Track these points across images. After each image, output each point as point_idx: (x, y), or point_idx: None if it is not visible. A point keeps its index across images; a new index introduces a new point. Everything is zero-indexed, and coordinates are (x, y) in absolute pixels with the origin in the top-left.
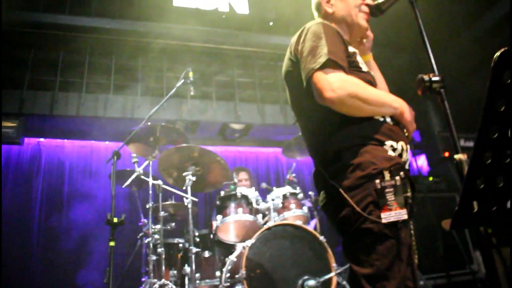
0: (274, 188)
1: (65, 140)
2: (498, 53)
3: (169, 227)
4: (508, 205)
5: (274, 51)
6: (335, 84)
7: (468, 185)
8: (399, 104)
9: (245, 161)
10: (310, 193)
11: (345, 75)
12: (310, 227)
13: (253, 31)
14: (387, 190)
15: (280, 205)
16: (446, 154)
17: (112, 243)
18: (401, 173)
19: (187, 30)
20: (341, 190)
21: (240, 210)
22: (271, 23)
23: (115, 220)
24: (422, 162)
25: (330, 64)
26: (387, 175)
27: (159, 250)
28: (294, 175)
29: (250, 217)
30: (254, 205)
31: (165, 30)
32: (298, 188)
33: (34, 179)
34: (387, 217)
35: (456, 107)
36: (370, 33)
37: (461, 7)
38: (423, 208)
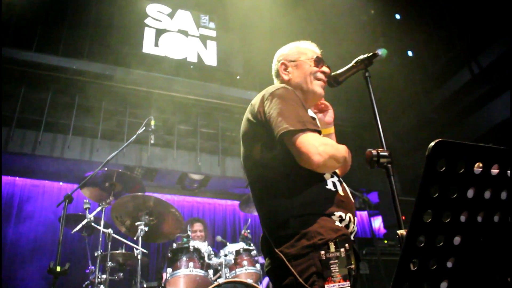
0: (228, 243)
1: (17, 177)
2: (432, 144)
3: (116, 277)
4: (442, 286)
5: (240, 104)
6: (320, 148)
7: (401, 267)
8: (347, 153)
9: (202, 211)
10: None
11: (322, 137)
12: (262, 286)
13: (220, 83)
14: (331, 261)
15: (233, 261)
16: (403, 217)
17: None
18: (346, 244)
19: (153, 77)
20: (284, 258)
21: (191, 264)
22: (238, 77)
23: (58, 269)
24: (378, 224)
25: (308, 128)
26: (332, 247)
27: None
28: (249, 231)
29: (201, 272)
30: (206, 259)
31: (131, 76)
32: (252, 244)
33: None
34: None
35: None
36: (330, 108)
37: (424, 75)
38: (377, 271)
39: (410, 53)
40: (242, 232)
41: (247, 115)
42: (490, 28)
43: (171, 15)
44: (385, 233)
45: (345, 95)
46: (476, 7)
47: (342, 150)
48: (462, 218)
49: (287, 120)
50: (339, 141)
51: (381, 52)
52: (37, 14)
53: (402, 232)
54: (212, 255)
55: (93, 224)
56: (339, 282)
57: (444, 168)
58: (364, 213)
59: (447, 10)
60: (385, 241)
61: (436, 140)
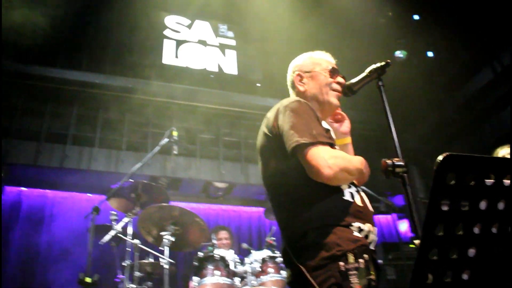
0: (253, 251)
1: (47, 190)
2: (440, 157)
3: (145, 287)
4: None
5: (260, 112)
6: (330, 161)
7: (415, 281)
8: (363, 165)
9: (227, 219)
10: None
11: (333, 150)
12: None
13: (240, 92)
14: (350, 272)
15: (258, 269)
16: None
17: None
18: (365, 255)
19: (175, 88)
20: (304, 270)
21: (217, 272)
22: (258, 85)
23: (88, 280)
24: (405, 227)
25: (319, 141)
26: (351, 258)
27: None
28: (274, 238)
29: (227, 280)
30: (232, 267)
31: (153, 87)
32: (277, 251)
33: (11, 229)
34: None
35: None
36: (346, 118)
37: (445, 76)
38: (403, 276)
39: (430, 54)
40: (267, 239)
41: (263, 128)
42: (511, 26)
43: (189, 26)
44: (412, 237)
45: (365, 98)
46: (496, 4)
47: (355, 162)
48: (476, 230)
49: (299, 134)
50: (362, 144)
51: (401, 54)
52: (61, 31)
53: (418, 242)
54: (238, 263)
55: (120, 234)
56: None
57: (453, 182)
58: (390, 217)
59: (467, 8)
60: (411, 245)
61: (444, 154)
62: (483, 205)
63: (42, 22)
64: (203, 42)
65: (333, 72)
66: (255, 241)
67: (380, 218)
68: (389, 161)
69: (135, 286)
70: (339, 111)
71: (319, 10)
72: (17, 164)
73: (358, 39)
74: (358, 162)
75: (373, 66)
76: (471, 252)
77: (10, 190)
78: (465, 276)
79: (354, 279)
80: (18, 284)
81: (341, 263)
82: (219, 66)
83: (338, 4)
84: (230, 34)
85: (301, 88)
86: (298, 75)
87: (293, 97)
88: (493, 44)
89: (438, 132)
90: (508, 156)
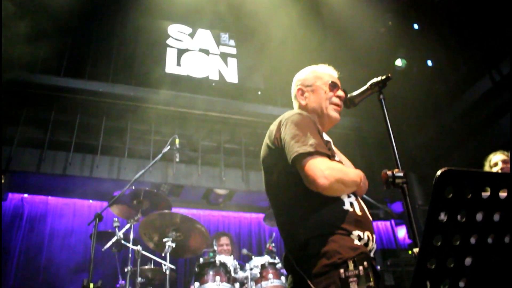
0: (253, 256)
1: (49, 197)
2: (439, 172)
3: None
4: None
5: (261, 119)
6: (326, 172)
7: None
8: (360, 178)
9: (228, 225)
10: None
11: (331, 161)
12: None
13: (242, 100)
14: (350, 279)
15: (258, 275)
16: None
17: None
18: (365, 262)
19: (176, 96)
20: (305, 277)
21: (218, 278)
22: (259, 93)
23: (91, 286)
24: (403, 233)
25: (317, 152)
26: (351, 265)
27: None
28: (273, 244)
29: (227, 286)
30: (233, 273)
31: (155, 95)
32: (277, 257)
33: (14, 236)
34: None
35: None
36: None
37: (444, 85)
38: (401, 281)
39: (429, 63)
40: (267, 245)
41: (266, 140)
42: (510, 35)
43: (191, 35)
44: (410, 244)
45: (367, 107)
46: (495, 14)
47: (352, 175)
48: (472, 241)
49: (298, 144)
50: (362, 152)
51: (401, 63)
52: (64, 41)
53: (417, 250)
54: (238, 269)
55: (122, 241)
56: None
57: (451, 195)
58: (389, 223)
59: (466, 18)
60: (410, 252)
61: (443, 169)
62: (479, 216)
63: (46, 31)
64: (205, 51)
65: (333, 86)
66: (255, 247)
67: (379, 224)
68: (389, 172)
69: None
70: None
71: (320, 19)
72: (20, 171)
73: (359, 48)
74: (354, 175)
75: (374, 80)
76: (468, 261)
77: (13, 197)
78: (461, 284)
79: (354, 286)
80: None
81: (342, 271)
82: (220, 74)
83: (338, 14)
84: (232, 43)
85: (303, 102)
86: (300, 89)
87: (295, 110)
88: (492, 54)
89: (437, 140)
90: (500, 161)
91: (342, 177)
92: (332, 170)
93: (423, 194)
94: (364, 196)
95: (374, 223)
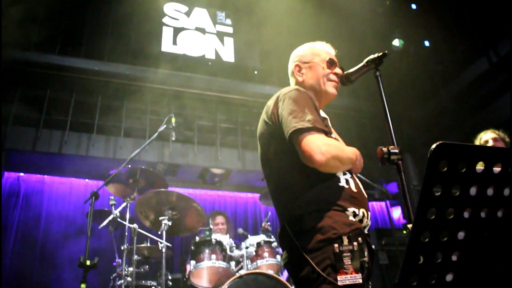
0: (249, 235)
1: (45, 176)
2: (434, 146)
3: (142, 270)
4: (448, 278)
5: (257, 99)
6: (323, 148)
7: (407, 261)
8: (355, 156)
9: (223, 204)
10: None
11: (328, 138)
12: (282, 277)
13: (238, 79)
14: (344, 254)
15: (254, 253)
16: None
17: (83, 286)
18: (359, 238)
19: (172, 75)
20: (302, 251)
21: (213, 256)
22: (255, 72)
23: (88, 263)
24: (398, 214)
25: (314, 128)
26: (345, 240)
27: None
28: (269, 223)
29: (223, 264)
30: (228, 252)
31: (151, 74)
32: (272, 236)
33: (10, 215)
34: (342, 280)
35: None
36: None
37: (441, 65)
38: (396, 261)
39: (427, 43)
40: (263, 224)
41: (263, 116)
42: (508, 16)
43: (188, 13)
44: (404, 224)
45: (362, 87)
46: None
47: (348, 152)
48: (466, 215)
49: (296, 120)
50: (358, 132)
51: (398, 43)
52: (59, 19)
53: (411, 226)
54: (234, 247)
55: (118, 219)
56: (351, 274)
57: (446, 169)
58: (384, 203)
59: None
60: (404, 232)
61: (438, 143)
62: (473, 191)
63: (40, 9)
64: (201, 30)
65: (330, 63)
66: (251, 226)
67: (374, 204)
68: (384, 149)
69: (132, 269)
70: None
71: None
72: (16, 150)
73: (356, 28)
74: (350, 152)
75: (371, 57)
76: (461, 235)
77: (9, 176)
78: (454, 258)
79: (347, 261)
80: (16, 268)
81: (336, 245)
82: (217, 53)
83: None
84: (228, 21)
85: (300, 79)
86: (297, 65)
87: (292, 86)
88: (489, 34)
89: (434, 121)
90: (491, 139)
91: (338, 154)
92: (329, 147)
93: (419, 174)
94: (360, 175)
95: (369, 204)
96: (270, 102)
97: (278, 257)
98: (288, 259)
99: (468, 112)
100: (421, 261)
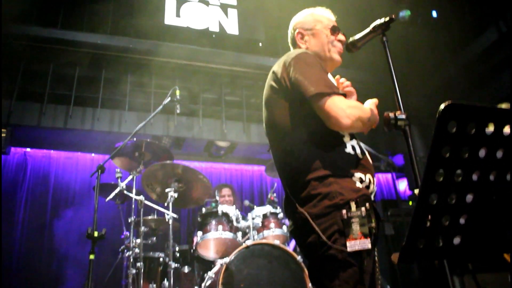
0: (255, 206)
1: (52, 150)
2: (443, 106)
3: (150, 242)
4: (455, 241)
5: (262, 71)
6: (348, 111)
7: (414, 223)
8: (374, 115)
9: (229, 177)
10: None
11: (348, 100)
12: (289, 247)
13: (242, 51)
14: (353, 220)
15: (260, 224)
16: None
17: (92, 257)
18: (367, 204)
19: (177, 48)
20: (308, 217)
21: (220, 227)
22: (260, 44)
23: (96, 234)
24: (404, 186)
25: (334, 92)
26: (353, 206)
27: (139, 264)
28: (275, 194)
29: (230, 235)
30: (235, 223)
31: (155, 47)
32: (278, 207)
33: (18, 190)
34: (352, 245)
35: None
36: (354, 94)
37: (449, 36)
38: (401, 232)
39: (434, 14)
40: (269, 196)
41: (269, 82)
42: None
43: None
44: (410, 195)
45: (368, 59)
46: None
47: (367, 111)
48: (474, 177)
49: (314, 84)
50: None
51: (405, 13)
52: None
53: (417, 190)
54: (240, 219)
55: (125, 192)
56: (360, 239)
57: (455, 130)
58: (390, 175)
59: None
60: (410, 203)
61: (446, 103)
62: (482, 153)
63: None
64: (205, 2)
65: (334, 30)
66: (257, 199)
67: (380, 176)
68: (391, 114)
69: (139, 241)
70: (349, 86)
71: None
72: (22, 125)
73: None
74: (368, 111)
75: (377, 22)
76: (469, 197)
77: (16, 151)
78: (462, 220)
79: (356, 227)
80: (26, 242)
81: (344, 211)
82: (220, 25)
83: None
84: None
85: (303, 46)
86: (299, 33)
87: (298, 49)
88: (498, 4)
89: (441, 93)
90: None
91: (361, 115)
92: (353, 109)
93: (425, 146)
94: (367, 146)
95: (375, 176)
96: (277, 67)
97: (284, 227)
98: (294, 226)
99: (475, 84)
100: (428, 224)
